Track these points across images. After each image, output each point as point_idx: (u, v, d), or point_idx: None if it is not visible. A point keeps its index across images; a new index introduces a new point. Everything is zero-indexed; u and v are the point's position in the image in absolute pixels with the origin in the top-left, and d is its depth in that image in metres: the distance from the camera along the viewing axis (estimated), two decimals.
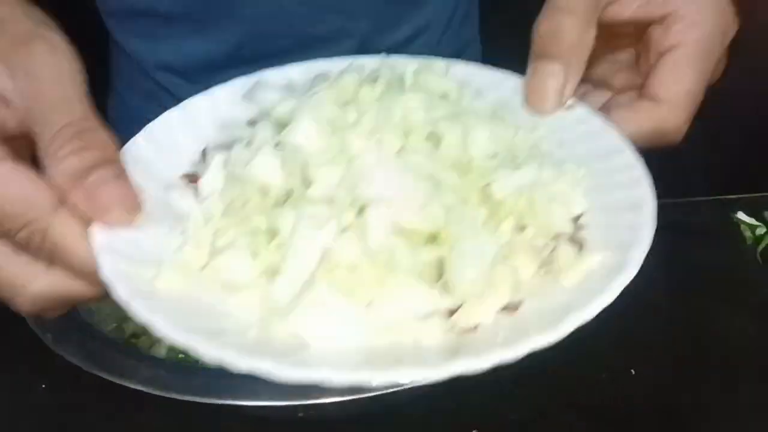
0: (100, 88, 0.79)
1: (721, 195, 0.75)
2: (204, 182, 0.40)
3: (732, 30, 0.49)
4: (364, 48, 0.73)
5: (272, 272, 0.35)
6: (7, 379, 0.55)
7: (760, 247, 0.67)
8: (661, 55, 0.46)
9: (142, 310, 0.32)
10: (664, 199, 0.76)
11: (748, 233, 0.69)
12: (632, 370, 0.56)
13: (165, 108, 0.71)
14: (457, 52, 0.83)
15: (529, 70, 0.46)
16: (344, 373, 0.31)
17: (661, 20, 0.47)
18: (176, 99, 0.73)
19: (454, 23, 0.81)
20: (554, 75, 0.45)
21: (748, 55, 1.20)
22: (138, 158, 0.40)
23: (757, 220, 0.70)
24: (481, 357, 0.31)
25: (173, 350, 0.52)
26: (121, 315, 0.55)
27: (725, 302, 0.62)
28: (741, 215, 0.71)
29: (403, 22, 0.76)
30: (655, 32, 0.47)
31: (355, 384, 0.30)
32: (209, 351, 0.31)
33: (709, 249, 0.68)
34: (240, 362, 0.30)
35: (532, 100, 0.46)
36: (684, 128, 0.48)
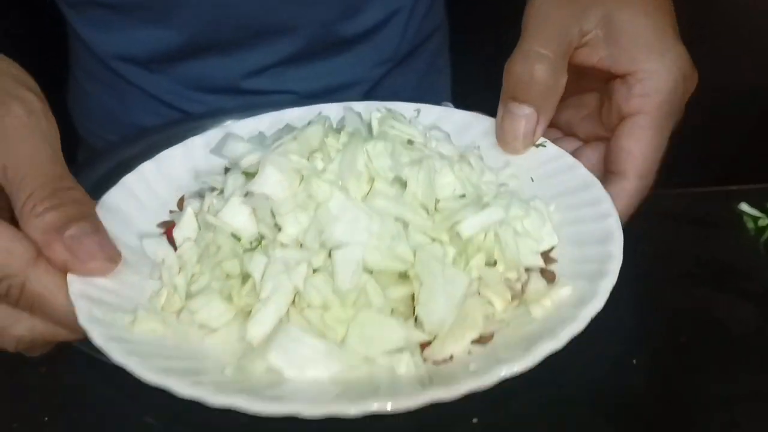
0: (59, 75, 0.79)
1: (725, 186, 0.75)
2: (178, 230, 0.42)
3: (693, 83, 0.50)
4: (325, 35, 0.71)
5: (246, 314, 0.38)
6: (6, 361, 0.55)
7: (763, 238, 0.67)
8: (623, 118, 0.47)
9: (117, 353, 0.35)
10: (667, 190, 0.76)
11: (750, 224, 0.69)
12: (633, 360, 0.56)
13: (123, 95, 0.72)
14: (424, 38, 0.81)
15: (500, 110, 0.48)
16: (320, 406, 0.32)
17: (624, 78, 0.47)
18: (135, 87, 0.73)
19: (419, 7, 0.79)
20: (526, 118, 0.46)
21: (753, 50, 1.20)
22: (114, 210, 0.43)
23: (759, 211, 0.70)
24: (453, 387, 0.34)
25: None
26: None
27: (727, 292, 0.62)
28: (744, 206, 0.71)
29: (368, 9, 0.74)
30: (619, 91, 0.48)
31: (331, 415, 0.32)
32: (184, 390, 0.33)
33: (712, 239, 0.68)
34: (216, 399, 0.33)
35: (503, 141, 0.48)
36: (649, 191, 0.50)
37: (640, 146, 0.47)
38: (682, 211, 0.73)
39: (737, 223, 0.70)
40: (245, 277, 0.39)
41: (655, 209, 0.72)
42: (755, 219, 0.69)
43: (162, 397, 0.51)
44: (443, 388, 0.34)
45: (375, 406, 0.32)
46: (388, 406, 0.33)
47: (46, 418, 0.51)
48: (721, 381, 0.54)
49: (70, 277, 0.37)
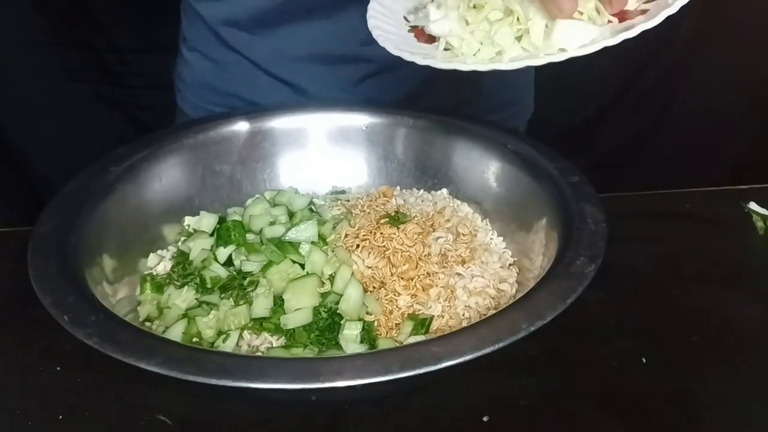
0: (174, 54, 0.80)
1: (734, 185, 0.75)
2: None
3: None
4: None
5: None
6: (20, 360, 0.56)
7: None
8: None
9: None
10: (676, 189, 0.76)
11: (759, 223, 0.69)
12: (643, 359, 0.56)
13: (224, 64, 0.74)
14: None
15: None
16: None
17: None
18: (236, 53, 0.74)
19: None
20: None
21: (764, 53, 1.19)
22: None
23: None
24: None
25: (187, 333, 0.53)
26: (134, 301, 0.56)
27: (736, 291, 0.62)
28: (753, 205, 0.71)
29: None
30: None
31: None
32: None
33: (721, 238, 0.68)
34: None
35: None
36: None
37: None
38: (692, 211, 0.73)
39: (746, 222, 0.70)
40: None
41: (665, 209, 0.73)
42: (765, 218, 0.69)
43: (174, 397, 0.52)
44: None
45: None
46: None
47: (61, 417, 0.52)
48: (731, 380, 0.54)
49: None
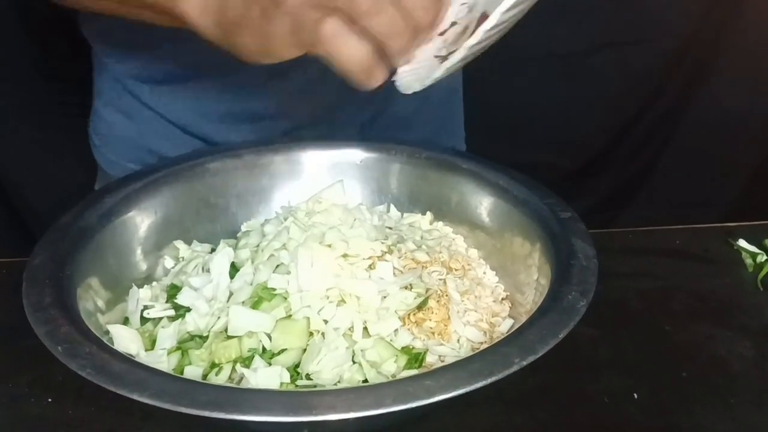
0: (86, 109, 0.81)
1: (724, 223, 0.76)
2: None
3: None
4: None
5: None
6: (11, 391, 0.55)
7: (761, 275, 0.68)
8: None
9: None
10: (669, 226, 0.77)
11: (749, 260, 0.70)
12: (635, 394, 0.56)
13: (140, 121, 0.71)
14: None
15: None
16: None
17: None
18: (147, 107, 0.73)
19: None
20: None
21: (750, 90, 1.21)
22: None
23: (758, 247, 0.71)
24: None
25: (180, 365, 0.52)
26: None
27: (726, 327, 0.63)
28: (742, 242, 0.72)
29: None
30: None
31: None
32: None
33: (711, 275, 0.69)
34: None
35: None
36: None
37: None
38: (681, 248, 0.74)
39: (736, 259, 0.71)
40: None
41: (655, 245, 0.74)
42: (754, 255, 0.70)
43: (166, 429, 0.52)
44: None
45: None
46: None
47: None
48: (721, 415, 0.54)
49: None
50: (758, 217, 0.76)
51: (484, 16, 0.47)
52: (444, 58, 0.47)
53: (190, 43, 0.68)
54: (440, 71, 0.47)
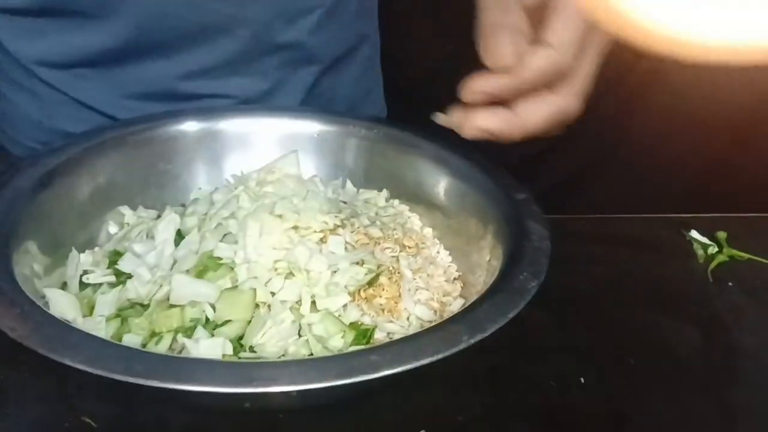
0: None
1: (677, 213, 0.76)
2: None
3: None
4: (261, 40, 0.71)
5: None
6: None
7: (712, 266, 0.69)
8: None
9: None
10: (622, 215, 0.77)
11: (700, 251, 0.71)
12: (582, 379, 0.56)
13: (48, 103, 0.69)
14: (355, 44, 0.82)
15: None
16: None
17: None
18: (59, 92, 0.71)
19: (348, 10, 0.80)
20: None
21: (711, 79, 1.23)
22: None
23: (709, 239, 0.71)
24: None
25: (119, 332, 0.51)
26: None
27: (675, 315, 0.63)
28: (694, 233, 0.72)
29: (305, 12, 0.74)
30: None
31: None
32: None
33: (663, 265, 0.69)
34: None
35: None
36: (580, 80, 0.51)
37: (563, 19, 0.48)
38: (635, 237, 0.74)
39: (687, 249, 0.71)
40: None
41: (609, 233, 0.74)
42: (705, 246, 0.71)
43: (101, 399, 0.50)
44: None
45: None
46: None
47: None
48: (667, 402, 0.55)
49: None
50: (712, 210, 0.76)
51: None
52: None
53: (104, 25, 0.66)
54: None
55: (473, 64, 0.50)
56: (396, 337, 0.53)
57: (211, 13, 0.68)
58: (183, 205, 0.65)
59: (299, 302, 0.53)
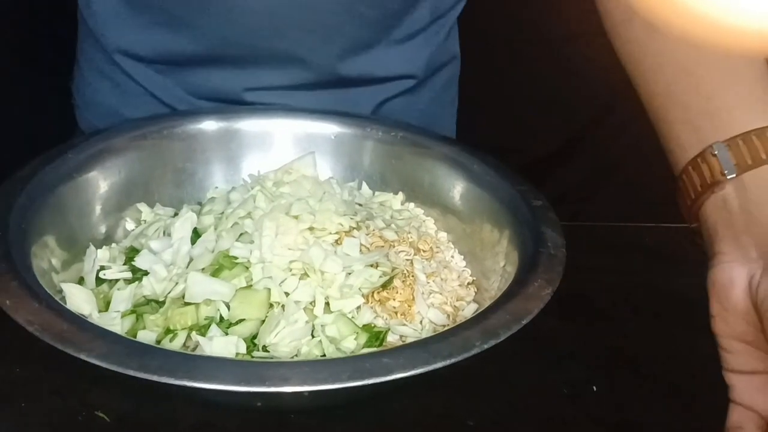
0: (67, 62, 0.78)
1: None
2: None
3: None
4: (332, 72, 0.71)
5: None
6: None
7: None
8: None
9: None
10: (638, 223, 0.77)
11: None
12: (594, 387, 0.56)
13: (125, 91, 0.71)
14: (434, 70, 0.80)
15: None
16: None
17: None
18: (137, 84, 0.72)
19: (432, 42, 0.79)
20: None
21: None
22: None
23: None
24: None
25: (134, 329, 0.51)
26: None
27: (689, 326, 0.62)
28: None
29: (378, 48, 0.73)
30: None
31: None
32: None
33: (676, 274, 0.69)
34: None
35: None
36: None
37: None
38: (650, 246, 0.74)
39: (701, 260, 0.70)
40: None
41: (624, 242, 0.74)
42: None
43: (114, 394, 0.51)
44: None
45: None
46: None
47: None
48: (678, 412, 0.54)
49: None
50: None
51: None
52: None
53: (188, 30, 0.68)
54: None
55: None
56: (409, 340, 0.53)
57: (293, 43, 0.69)
58: (200, 204, 0.65)
59: (313, 303, 0.53)
